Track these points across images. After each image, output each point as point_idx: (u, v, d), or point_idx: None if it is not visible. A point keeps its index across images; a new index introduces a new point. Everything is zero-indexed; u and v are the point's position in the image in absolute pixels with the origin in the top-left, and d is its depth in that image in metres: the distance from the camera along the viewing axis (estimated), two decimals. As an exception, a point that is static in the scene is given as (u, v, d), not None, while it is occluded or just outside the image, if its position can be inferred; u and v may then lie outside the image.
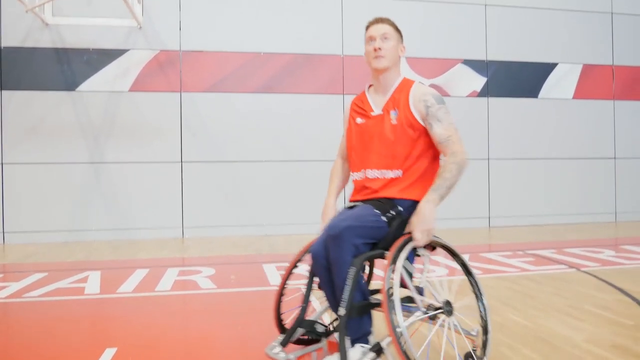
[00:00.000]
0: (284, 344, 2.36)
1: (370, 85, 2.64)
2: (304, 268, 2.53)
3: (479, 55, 8.37)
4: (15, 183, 7.08)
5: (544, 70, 8.65)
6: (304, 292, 2.43)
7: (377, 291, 2.46)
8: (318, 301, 2.53)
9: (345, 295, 2.16)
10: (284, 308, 2.55)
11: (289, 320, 2.52)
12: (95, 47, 7.25)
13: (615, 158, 8.89)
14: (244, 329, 3.15)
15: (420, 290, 2.29)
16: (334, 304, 2.36)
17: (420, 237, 2.26)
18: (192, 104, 7.51)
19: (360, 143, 2.55)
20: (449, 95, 7.92)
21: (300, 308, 2.42)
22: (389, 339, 2.09)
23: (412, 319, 2.16)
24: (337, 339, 2.13)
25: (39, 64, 7.15)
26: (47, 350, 2.81)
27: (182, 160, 7.47)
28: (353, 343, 2.25)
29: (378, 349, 2.15)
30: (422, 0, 8.18)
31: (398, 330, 2.01)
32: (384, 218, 2.35)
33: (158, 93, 7.43)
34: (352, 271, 2.18)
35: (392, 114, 2.47)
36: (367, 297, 2.29)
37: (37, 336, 3.06)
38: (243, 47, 7.66)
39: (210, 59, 7.57)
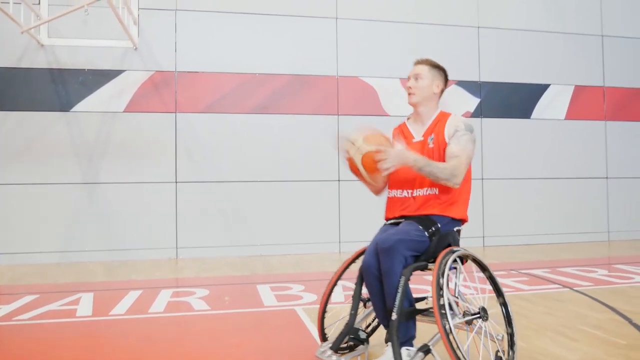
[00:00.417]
0: (334, 348, 2.65)
1: (408, 117, 3.04)
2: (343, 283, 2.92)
3: (472, 77, 8.46)
4: (7, 203, 7.05)
5: (537, 91, 8.74)
6: (352, 300, 2.75)
7: (419, 299, 2.79)
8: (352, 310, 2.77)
9: (397, 302, 2.46)
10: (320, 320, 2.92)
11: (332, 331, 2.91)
12: (91, 68, 7.29)
13: (607, 178, 8.95)
14: (237, 350, 3.13)
15: (458, 298, 2.60)
16: (381, 312, 2.67)
17: (389, 161, 2.59)
18: (187, 124, 7.53)
19: None
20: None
21: (349, 315, 2.72)
22: (435, 339, 2.46)
23: (455, 320, 2.39)
24: (389, 342, 2.45)
25: (34, 85, 7.17)
26: (37, 373, 2.78)
27: (177, 180, 7.48)
28: (400, 346, 2.49)
29: (426, 350, 2.45)
30: (415, 22, 8.30)
31: (449, 330, 2.27)
32: (426, 233, 2.66)
33: (153, 113, 7.45)
34: (402, 280, 2.49)
35: (429, 139, 2.85)
36: (413, 304, 2.60)
37: None
38: (238, 68, 7.72)
39: (205, 79, 7.62)
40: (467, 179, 2.81)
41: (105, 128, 7.32)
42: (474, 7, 8.57)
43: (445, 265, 2.46)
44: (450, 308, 2.37)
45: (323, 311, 2.92)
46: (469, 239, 8.37)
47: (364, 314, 2.90)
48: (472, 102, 8.45)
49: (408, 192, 2.83)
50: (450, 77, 3.05)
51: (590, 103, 8.95)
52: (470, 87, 8.42)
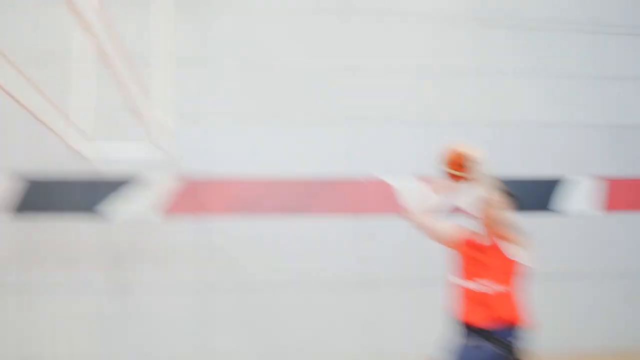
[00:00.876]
0: None
1: None
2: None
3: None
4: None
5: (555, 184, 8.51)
6: None
7: None
8: None
9: None
10: None
11: None
12: (118, 173, 7.24)
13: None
14: None
15: None
16: None
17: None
18: (215, 228, 7.43)
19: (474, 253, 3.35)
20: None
21: None
22: None
23: None
24: None
25: (62, 191, 7.13)
26: None
27: (204, 284, 7.28)
28: None
29: None
30: (423, 124, 8.17)
31: None
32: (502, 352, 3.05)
33: (181, 217, 7.35)
34: None
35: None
36: None
37: None
38: (266, 171, 7.65)
39: (233, 183, 7.55)
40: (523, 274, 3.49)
41: (133, 235, 7.22)
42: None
43: None
44: None
45: None
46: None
47: None
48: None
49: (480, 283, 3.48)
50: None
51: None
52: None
